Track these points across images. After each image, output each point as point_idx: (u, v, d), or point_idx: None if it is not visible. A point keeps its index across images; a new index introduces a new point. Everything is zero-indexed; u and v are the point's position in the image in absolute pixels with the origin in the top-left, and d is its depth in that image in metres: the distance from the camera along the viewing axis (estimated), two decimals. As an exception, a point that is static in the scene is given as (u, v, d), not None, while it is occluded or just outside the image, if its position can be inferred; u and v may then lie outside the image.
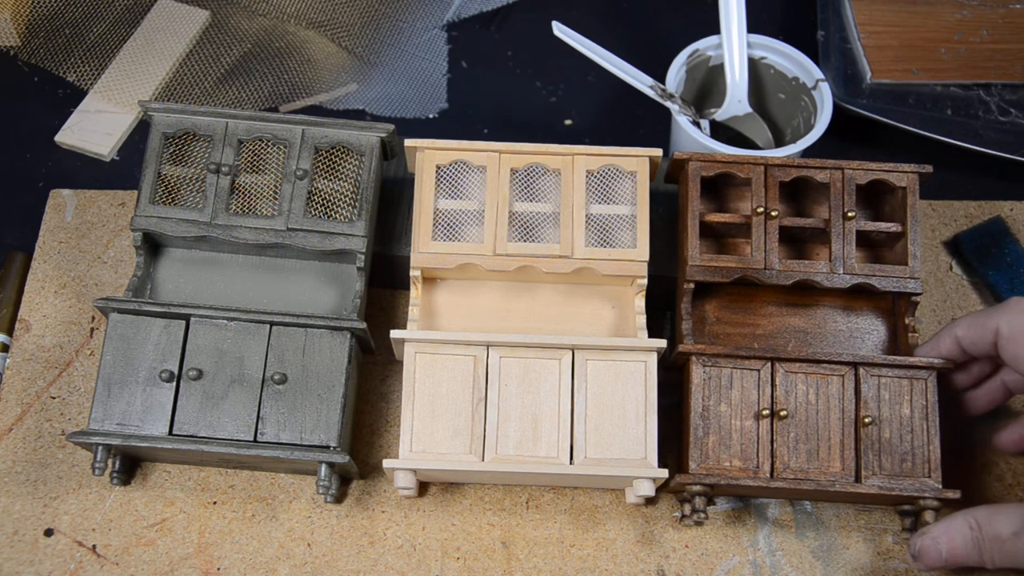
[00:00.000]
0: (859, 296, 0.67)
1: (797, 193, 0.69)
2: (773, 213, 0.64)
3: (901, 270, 0.65)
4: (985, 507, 0.57)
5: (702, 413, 0.62)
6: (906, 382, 0.62)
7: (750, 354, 0.62)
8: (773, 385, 0.62)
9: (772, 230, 0.65)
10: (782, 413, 0.61)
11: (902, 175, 0.66)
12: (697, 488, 0.61)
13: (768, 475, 0.61)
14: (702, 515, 0.61)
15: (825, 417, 0.61)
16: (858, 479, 0.61)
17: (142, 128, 0.83)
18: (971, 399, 0.65)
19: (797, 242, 0.68)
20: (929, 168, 0.66)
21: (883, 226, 0.66)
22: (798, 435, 0.61)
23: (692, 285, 0.64)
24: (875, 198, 0.69)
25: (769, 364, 0.62)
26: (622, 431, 0.63)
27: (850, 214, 0.65)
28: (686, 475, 0.61)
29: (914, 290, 0.65)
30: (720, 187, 0.69)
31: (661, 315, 0.73)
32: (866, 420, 0.61)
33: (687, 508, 0.62)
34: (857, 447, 0.61)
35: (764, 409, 0.61)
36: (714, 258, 0.64)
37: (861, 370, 0.62)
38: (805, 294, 0.67)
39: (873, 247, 0.69)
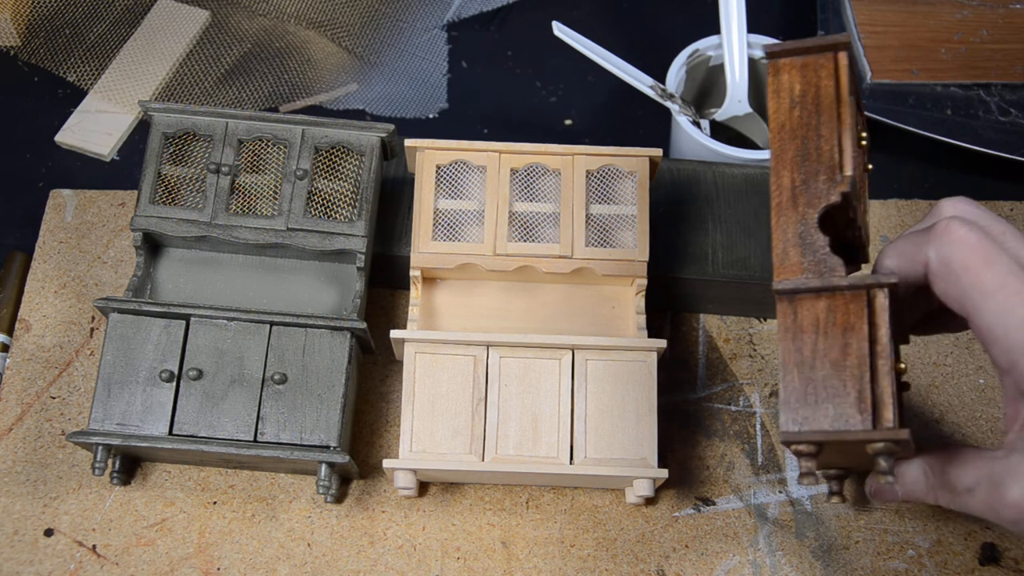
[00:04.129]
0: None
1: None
2: (865, 143, 0.57)
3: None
4: (940, 453, 0.51)
5: (890, 357, 0.51)
6: None
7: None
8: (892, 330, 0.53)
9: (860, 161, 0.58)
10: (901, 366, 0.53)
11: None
12: (898, 448, 0.50)
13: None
14: (891, 477, 0.50)
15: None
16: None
17: (142, 128, 0.83)
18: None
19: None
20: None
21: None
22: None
23: (840, 199, 0.54)
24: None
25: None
26: (622, 431, 0.63)
27: (869, 167, 0.58)
28: (880, 430, 0.49)
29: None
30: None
31: (661, 315, 0.73)
32: None
33: (809, 464, 0.51)
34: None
35: (900, 363, 0.52)
36: (847, 180, 0.54)
37: None
38: None
39: None
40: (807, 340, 0.51)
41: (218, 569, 0.64)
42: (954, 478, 0.50)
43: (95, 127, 0.82)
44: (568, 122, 0.85)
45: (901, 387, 0.52)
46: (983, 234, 0.48)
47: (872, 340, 0.50)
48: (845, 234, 0.55)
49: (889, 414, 0.49)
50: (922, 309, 0.56)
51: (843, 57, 0.53)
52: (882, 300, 0.50)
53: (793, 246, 0.53)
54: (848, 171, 0.52)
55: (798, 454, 0.50)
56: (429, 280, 0.68)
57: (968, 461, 0.50)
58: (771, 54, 0.55)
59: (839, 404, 0.50)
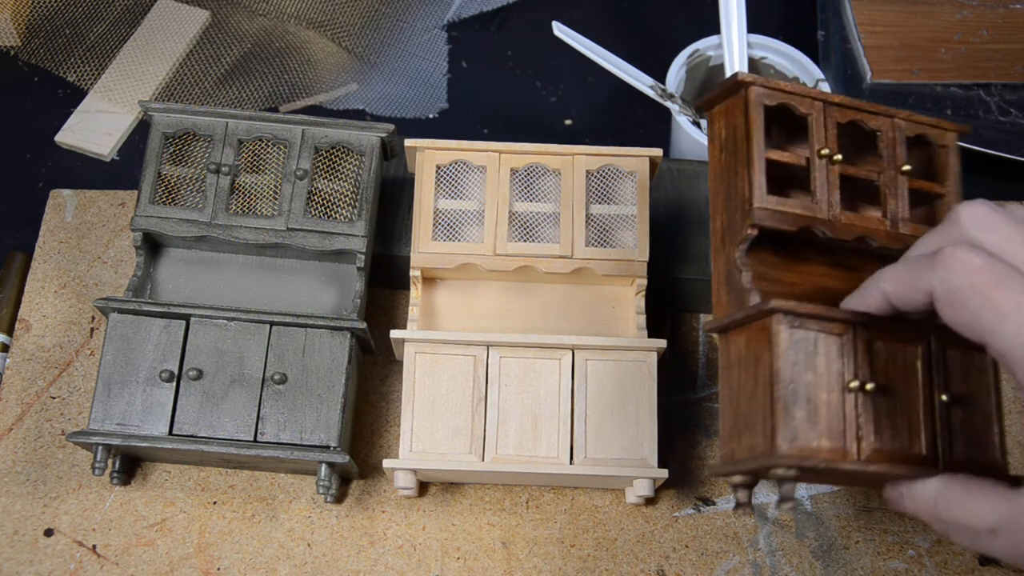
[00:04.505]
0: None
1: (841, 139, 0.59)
2: (837, 157, 0.54)
3: None
4: (958, 483, 0.49)
5: (789, 382, 0.50)
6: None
7: (835, 316, 0.51)
8: (856, 352, 0.51)
9: (834, 177, 0.55)
10: (869, 387, 0.51)
11: (943, 132, 0.58)
12: (791, 474, 0.50)
13: (856, 458, 0.50)
14: (789, 504, 0.50)
15: (905, 392, 0.52)
16: (936, 463, 0.52)
17: (142, 128, 0.83)
18: None
19: (846, 195, 0.58)
20: (968, 127, 0.59)
21: (925, 186, 0.57)
22: (881, 412, 0.52)
23: (755, 232, 0.53)
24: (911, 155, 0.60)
25: (852, 329, 0.52)
26: (622, 431, 0.63)
27: (905, 168, 0.56)
28: (774, 456, 0.49)
29: None
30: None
31: (661, 315, 0.73)
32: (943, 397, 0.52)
33: (743, 495, 0.53)
34: (934, 427, 0.52)
35: (852, 381, 0.51)
36: (782, 202, 0.53)
37: (933, 341, 0.53)
38: (846, 255, 0.58)
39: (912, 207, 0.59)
40: (734, 375, 0.52)
41: (218, 569, 0.64)
42: (974, 516, 0.48)
43: (95, 127, 0.82)
44: (568, 122, 0.85)
45: (883, 403, 0.51)
46: (989, 256, 0.46)
47: (771, 367, 0.50)
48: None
49: (780, 440, 0.49)
50: None
51: (752, 92, 0.53)
52: (776, 327, 0.50)
53: (723, 285, 0.54)
54: (757, 203, 0.52)
55: (733, 486, 0.51)
56: (429, 280, 0.68)
57: (989, 498, 0.48)
58: (703, 106, 0.56)
59: (753, 434, 0.50)
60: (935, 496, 0.50)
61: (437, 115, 0.85)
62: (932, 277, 0.47)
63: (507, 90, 0.87)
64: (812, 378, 0.50)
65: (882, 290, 0.50)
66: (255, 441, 0.62)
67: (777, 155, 0.54)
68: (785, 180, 0.56)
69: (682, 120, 0.75)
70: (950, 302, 0.46)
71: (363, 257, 0.66)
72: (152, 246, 0.68)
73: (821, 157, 0.54)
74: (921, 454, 0.51)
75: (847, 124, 0.56)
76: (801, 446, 0.49)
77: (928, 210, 0.59)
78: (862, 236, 0.55)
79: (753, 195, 0.53)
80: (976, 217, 0.47)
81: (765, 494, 0.67)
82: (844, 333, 0.51)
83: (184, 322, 0.64)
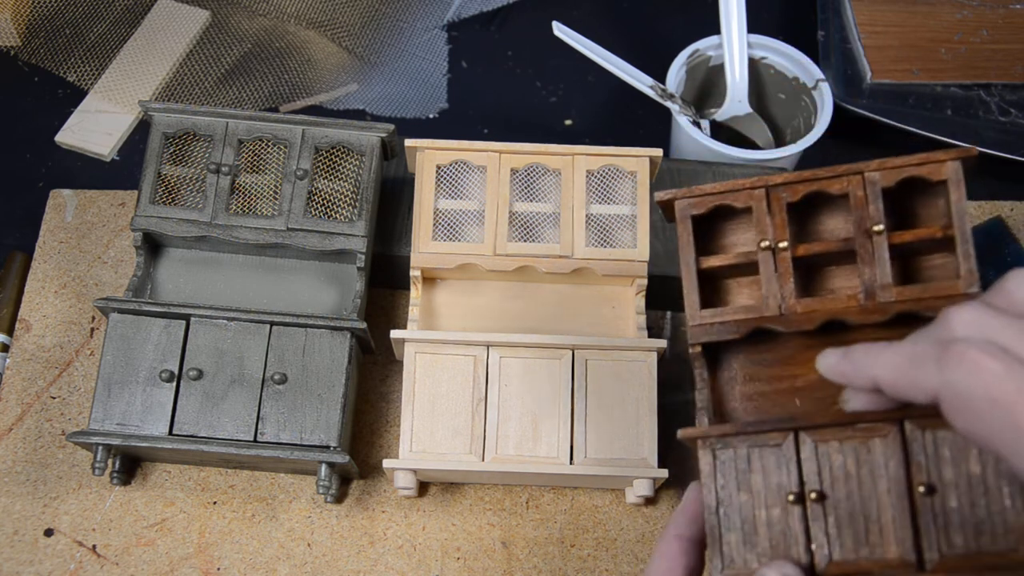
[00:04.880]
0: (907, 325, 0.50)
1: (811, 210, 0.54)
2: (782, 246, 0.51)
3: (949, 287, 0.49)
4: None
5: (717, 508, 0.48)
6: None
7: (768, 427, 0.49)
8: (799, 460, 0.48)
9: (785, 266, 0.51)
10: (812, 495, 0.47)
11: (939, 166, 0.51)
12: None
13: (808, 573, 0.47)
14: None
15: (871, 490, 0.47)
16: (921, 564, 0.46)
17: (142, 128, 0.83)
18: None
19: (821, 267, 0.54)
20: (974, 150, 0.51)
21: (922, 234, 0.51)
22: (840, 518, 0.47)
23: (699, 348, 0.52)
24: (909, 201, 0.54)
25: (791, 436, 0.48)
26: (622, 431, 0.63)
27: (876, 228, 0.50)
28: None
29: None
30: (718, 218, 0.55)
31: (661, 315, 0.73)
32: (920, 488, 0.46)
33: None
34: (916, 523, 0.46)
35: (791, 493, 0.48)
36: (718, 312, 0.52)
37: (908, 425, 0.47)
38: (842, 331, 0.52)
39: (916, 261, 0.54)
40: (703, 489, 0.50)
41: (218, 569, 0.64)
42: None
43: (95, 127, 0.82)
44: (568, 122, 0.85)
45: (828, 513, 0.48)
46: (1009, 360, 0.39)
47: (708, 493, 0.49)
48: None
49: (713, 570, 0.47)
50: None
51: (675, 208, 0.53)
52: (699, 454, 0.49)
53: (694, 403, 0.53)
54: (691, 321, 0.51)
55: None
56: (429, 280, 0.68)
57: None
58: (671, 222, 0.54)
59: (713, 558, 0.48)
60: None
61: (437, 115, 0.85)
62: (939, 378, 0.40)
63: (507, 90, 0.87)
64: (747, 497, 0.48)
65: (874, 376, 0.44)
66: (255, 441, 0.62)
67: (714, 261, 0.52)
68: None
69: (682, 120, 0.75)
70: (964, 410, 0.40)
71: (363, 257, 0.66)
72: (152, 246, 0.68)
73: (764, 250, 0.51)
74: (897, 559, 0.46)
75: (807, 196, 0.52)
76: (737, 571, 0.47)
77: (941, 260, 0.53)
78: (830, 320, 0.50)
79: (687, 312, 0.52)
80: (970, 322, 0.41)
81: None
82: (782, 442, 0.48)
83: (184, 322, 0.64)
